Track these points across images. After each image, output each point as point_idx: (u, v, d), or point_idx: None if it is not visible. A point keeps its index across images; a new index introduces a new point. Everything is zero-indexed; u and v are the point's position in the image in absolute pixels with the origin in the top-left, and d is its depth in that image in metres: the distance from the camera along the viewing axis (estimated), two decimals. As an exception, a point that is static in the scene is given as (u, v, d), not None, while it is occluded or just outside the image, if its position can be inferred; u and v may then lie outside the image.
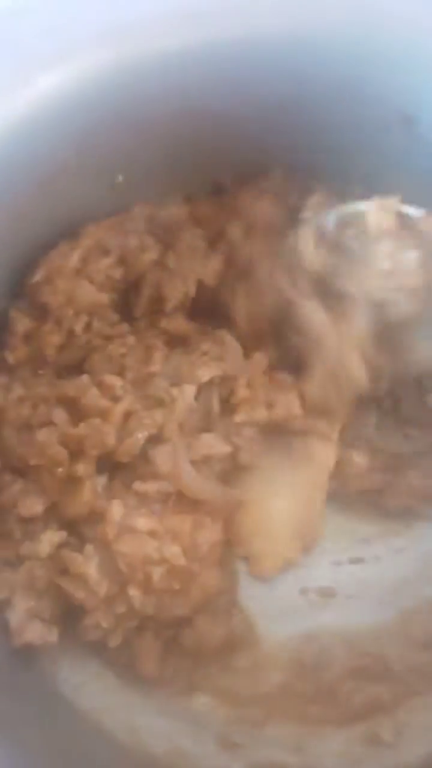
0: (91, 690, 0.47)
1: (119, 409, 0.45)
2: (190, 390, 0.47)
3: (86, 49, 0.46)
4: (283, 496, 0.50)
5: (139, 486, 0.44)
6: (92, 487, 0.44)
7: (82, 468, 0.43)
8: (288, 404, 0.48)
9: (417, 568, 0.52)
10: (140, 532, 0.43)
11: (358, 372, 0.48)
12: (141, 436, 0.46)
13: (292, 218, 0.52)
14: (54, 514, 0.45)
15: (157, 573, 0.42)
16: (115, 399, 0.45)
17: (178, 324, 0.50)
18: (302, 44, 0.47)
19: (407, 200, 0.51)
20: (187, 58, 0.47)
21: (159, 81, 0.47)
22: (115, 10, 0.46)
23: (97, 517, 0.44)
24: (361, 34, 0.46)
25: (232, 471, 0.48)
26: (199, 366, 0.48)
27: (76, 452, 0.43)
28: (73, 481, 0.43)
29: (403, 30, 0.46)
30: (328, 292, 0.48)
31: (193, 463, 0.44)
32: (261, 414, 0.47)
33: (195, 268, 0.51)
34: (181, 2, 0.46)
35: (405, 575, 0.52)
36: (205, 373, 0.47)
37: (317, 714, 0.47)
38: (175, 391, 0.47)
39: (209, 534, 0.45)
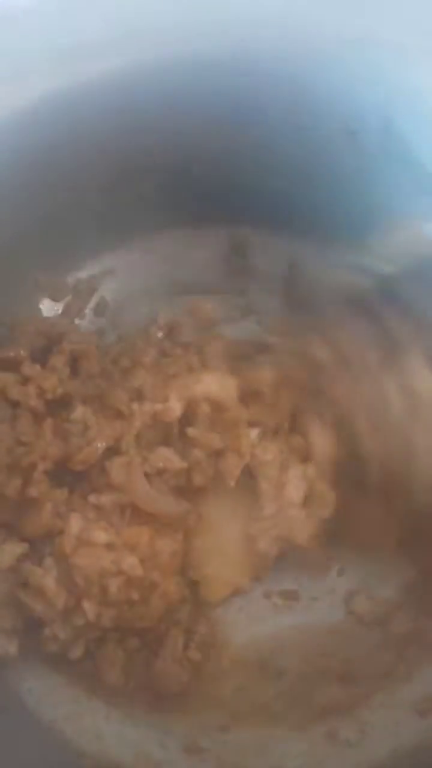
0: (56, 700, 0.47)
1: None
2: (149, 406, 0.48)
3: (38, 72, 0.48)
4: (237, 522, 0.50)
5: (94, 499, 0.45)
6: (51, 508, 0.45)
7: (35, 490, 0.44)
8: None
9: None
10: (97, 545, 0.43)
11: None
12: (100, 446, 0.46)
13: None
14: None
15: (114, 585, 0.43)
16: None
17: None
18: (245, 64, 0.48)
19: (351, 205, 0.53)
20: (134, 78, 0.49)
21: (108, 100, 0.48)
22: (67, 35, 0.47)
23: (56, 531, 0.44)
24: (302, 55, 0.47)
25: (188, 490, 0.48)
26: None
27: (27, 471, 0.44)
28: (29, 503, 0.44)
29: (343, 49, 0.47)
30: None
31: (148, 476, 0.45)
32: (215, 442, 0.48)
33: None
34: (130, 24, 0.47)
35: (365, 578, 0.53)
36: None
37: (280, 716, 0.48)
38: (134, 406, 0.48)
39: (168, 543, 0.46)
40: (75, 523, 0.44)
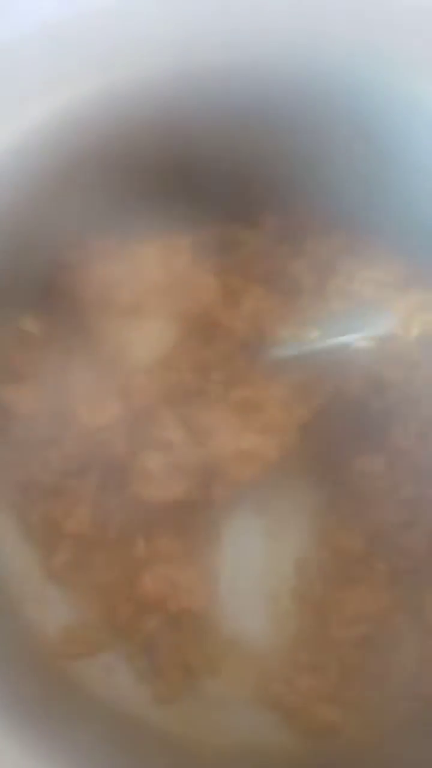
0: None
1: None
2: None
3: (71, 81, 0.53)
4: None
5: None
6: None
7: None
8: None
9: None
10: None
11: None
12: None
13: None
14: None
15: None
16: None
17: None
18: (262, 72, 0.52)
19: (366, 208, 0.58)
20: (158, 86, 0.53)
21: (135, 108, 0.53)
22: (103, 41, 0.52)
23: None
24: (317, 62, 0.51)
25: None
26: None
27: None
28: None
29: (358, 56, 0.51)
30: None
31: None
32: None
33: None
34: (151, 35, 0.51)
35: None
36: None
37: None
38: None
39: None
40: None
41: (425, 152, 0.52)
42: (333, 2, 0.50)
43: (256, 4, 0.50)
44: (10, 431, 0.55)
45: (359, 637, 0.52)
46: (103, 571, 0.56)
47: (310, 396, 0.57)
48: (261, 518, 0.58)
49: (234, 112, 0.54)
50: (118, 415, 0.55)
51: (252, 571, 0.56)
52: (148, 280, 0.56)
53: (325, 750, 0.52)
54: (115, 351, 0.57)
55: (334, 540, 0.56)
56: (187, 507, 0.56)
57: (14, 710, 0.45)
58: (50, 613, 0.55)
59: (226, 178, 0.58)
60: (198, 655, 0.53)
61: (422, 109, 0.51)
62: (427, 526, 0.53)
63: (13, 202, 0.53)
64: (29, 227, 0.56)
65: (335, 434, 0.58)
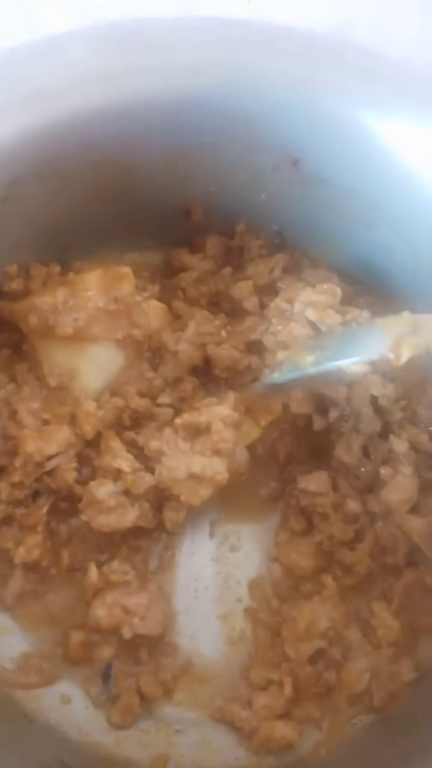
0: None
1: None
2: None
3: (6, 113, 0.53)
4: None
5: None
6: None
7: None
8: None
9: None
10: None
11: None
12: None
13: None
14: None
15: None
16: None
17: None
18: (201, 101, 0.53)
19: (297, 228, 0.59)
20: (101, 116, 0.54)
21: (72, 137, 0.53)
22: (34, 77, 0.52)
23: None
24: (250, 92, 0.52)
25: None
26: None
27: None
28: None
29: (286, 87, 0.52)
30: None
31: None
32: None
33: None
34: (87, 69, 0.52)
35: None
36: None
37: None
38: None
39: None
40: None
41: (353, 174, 0.54)
42: (259, 36, 0.51)
43: (184, 37, 0.51)
44: None
45: (312, 653, 0.53)
46: (55, 601, 0.56)
47: (256, 417, 0.58)
48: (213, 540, 0.58)
49: (169, 141, 0.54)
50: (67, 443, 0.55)
51: (206, 594, 0.57)
52: (92, 306, 0.56)
53: (282, 766, 0.53)
54: (61, 379, 0.57)
55: (284, 559, 0.56)
56: (139, 533, 0.56)
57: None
58: (3, 644, 0.55)
59: (166, 205, 0.59)
60: (152, 680, 0.53)
61: (349, 134, 0.52)
62: (372, 542, 0.54)
63: None
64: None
65: (282, 453, 0.59)
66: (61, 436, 0.55)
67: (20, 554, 0.55)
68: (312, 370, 0.51)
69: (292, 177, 0.55)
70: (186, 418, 0.55)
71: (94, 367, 0.58)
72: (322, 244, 0.59)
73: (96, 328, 0.57)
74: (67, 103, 0.52)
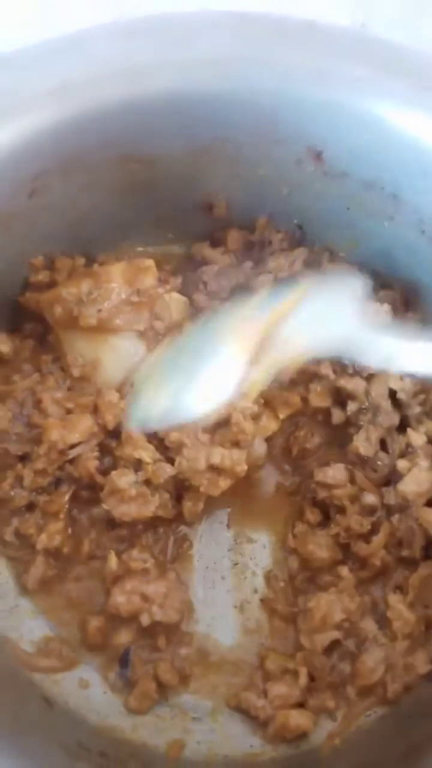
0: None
1: None
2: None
3: (32, 108, 0.54)
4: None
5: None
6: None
7: None
8: None
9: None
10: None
11: None
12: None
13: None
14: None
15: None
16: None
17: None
18: (223, 96, 0.53)
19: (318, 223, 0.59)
20: (124, 110, 0.55)
21: (97, 132, 0.54)
22: (59, 73, 0.53)
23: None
24: (272, 87, 0.53)
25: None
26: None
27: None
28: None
29: (308, 81, 0.53)
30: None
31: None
32: None
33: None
34: (110, 64, 0.53)
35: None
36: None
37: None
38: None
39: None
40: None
41: (375, 167, 0.54)
42: (279, 29, 0.51)
43: (207, 35, 0.52)
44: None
45: (327, 644, 0.54)
46: (75, 587, 0.57)
47: (275, 409, 0.59)
48: (230, 531, 0.59)
49: (191, 136, 0.55)
50: (89, 432, 0.56)
51: (222, 584, 0.58)
52: (115, 298, 0.57)
53: (296, 755, 0.53)
54: (84, 369, 0.58)
55: (301, 550, 0.57)
56: (158, 522, 0.57)
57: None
58: (25, 628, 0.56)
59: (188, 199, 0.60)
60: (169, 667, 0.54)
61: (371, 127, 0.52)
62: (388, 534, 0.55)
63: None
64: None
65: (301, 446, 0.59)
66: (83, 426, 0.56)
67: (42, 540, 0.56)
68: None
69: (315, 170, 0.56)
70: (207, 409, 0.56)
71: (116, 358, 0.58)
72: (343, 237, 0.60)
73: (119, 319, 0.57)
74: (91, 97, 0.53)
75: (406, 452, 0.54)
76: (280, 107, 0.53)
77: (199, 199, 0.60)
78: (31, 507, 0.57)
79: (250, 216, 0.61)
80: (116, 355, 0.58)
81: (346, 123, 0.52)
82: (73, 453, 0.56)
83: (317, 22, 0.51)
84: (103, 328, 0.57)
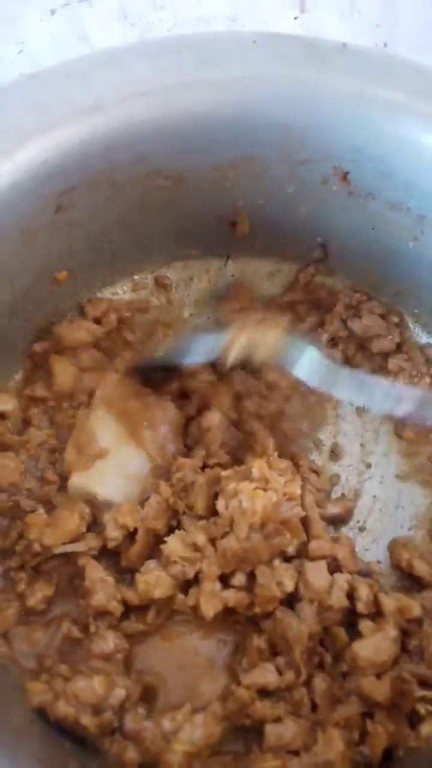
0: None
1: None
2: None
3: (63, 124, 0.54)
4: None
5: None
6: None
7: None
8: None
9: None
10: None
11: None
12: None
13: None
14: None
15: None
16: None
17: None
18: (253, 115, 0.54)
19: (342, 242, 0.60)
20: (153, 128, 0.55)
21: (126, 149, 0.55)
22: (90, 90, 0.54)
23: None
24: (301, 107, 0.53)
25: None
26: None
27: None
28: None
29: (339, 102, 0.53)
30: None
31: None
32: None
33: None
34: (141, 83, 0.53)
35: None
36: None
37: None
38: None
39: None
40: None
41: (401, 188, 0.55)
42: (309, 50, 0.52)
43: (237, 55, 0.52)
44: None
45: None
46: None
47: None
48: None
49: (219, 153, 0.56)
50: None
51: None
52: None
53: None
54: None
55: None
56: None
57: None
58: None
59: (213, 216, 0.60)
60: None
61: (399, 148, 0.53)
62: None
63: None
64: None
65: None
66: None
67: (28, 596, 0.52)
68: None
69: (340, 190, 0.56)
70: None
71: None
72: (366, 257, 0.60)
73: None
74: (121, 115, 0.54)
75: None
76: (307, 127, 0.54)
77: (224, 215, 0.61)
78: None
79: (273, 234, 0.62)
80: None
81: (375, 144, 0.53)
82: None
83: (349, 44, 0.52)
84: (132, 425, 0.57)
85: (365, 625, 0.50)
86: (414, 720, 0.48)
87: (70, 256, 0.59)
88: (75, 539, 0.53)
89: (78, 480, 0.54)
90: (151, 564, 0.52)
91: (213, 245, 0.63)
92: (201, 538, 0.51)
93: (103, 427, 0.56)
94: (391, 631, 0.49)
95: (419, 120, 0.51)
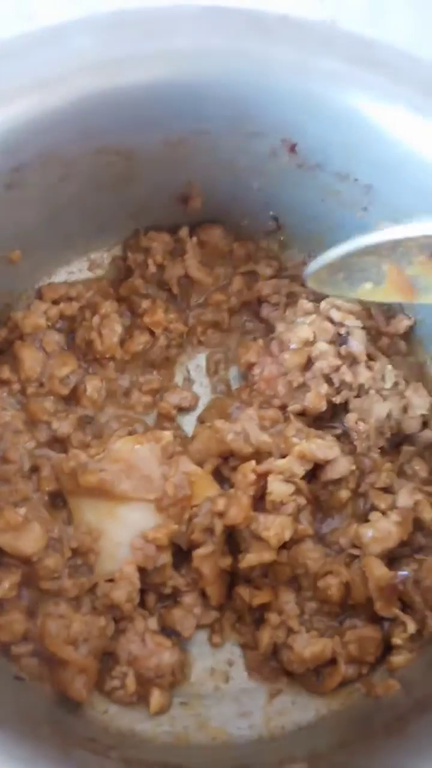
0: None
1: None
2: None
3: (8, 102, 0.54)
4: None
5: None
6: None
7: None
8: None
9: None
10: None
11: None
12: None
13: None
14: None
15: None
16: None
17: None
18: (201, 88, 0.54)
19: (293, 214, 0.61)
20: (101, 103, 0.55)
21: (73, 124, 0.55)
22: (36, 66, 0.54)
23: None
24: (248, 80, 0.54)
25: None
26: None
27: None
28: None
29: (284, 73, 0.54)
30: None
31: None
32: None
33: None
34: (87, 57, 0.53)
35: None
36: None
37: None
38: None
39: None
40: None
41: (348, 159, 0.55)
42: (254, 23, 0.53)
43: (184, 28, 0.53)
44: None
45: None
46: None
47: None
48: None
49: (168, 128, 0.56)
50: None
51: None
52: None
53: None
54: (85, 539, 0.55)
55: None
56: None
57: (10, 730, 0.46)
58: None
59: (165, 191, 0.60)
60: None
61: (345, 119, 0.53)
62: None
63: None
64: None
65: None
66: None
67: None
68: None
69: (289, 162, 0.57)
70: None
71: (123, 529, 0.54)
72: (316, 228, 0.61)
73: (124, 484, 0.54)
74: (67, 90, 0.53)
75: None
76: (255, 99, 0.54)
77: (176, 191, 0.61)
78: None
79: (226, 208, 0.62)
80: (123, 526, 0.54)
81: (320, 115, 0.53)
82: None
83: (290, 15, 0.53)
84: (108, 494, 0.53)
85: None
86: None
87: (24, 236, 0.59)
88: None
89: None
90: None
91: (167, 221, 0.63)
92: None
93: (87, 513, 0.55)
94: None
95: (361, 90, 0.52)
